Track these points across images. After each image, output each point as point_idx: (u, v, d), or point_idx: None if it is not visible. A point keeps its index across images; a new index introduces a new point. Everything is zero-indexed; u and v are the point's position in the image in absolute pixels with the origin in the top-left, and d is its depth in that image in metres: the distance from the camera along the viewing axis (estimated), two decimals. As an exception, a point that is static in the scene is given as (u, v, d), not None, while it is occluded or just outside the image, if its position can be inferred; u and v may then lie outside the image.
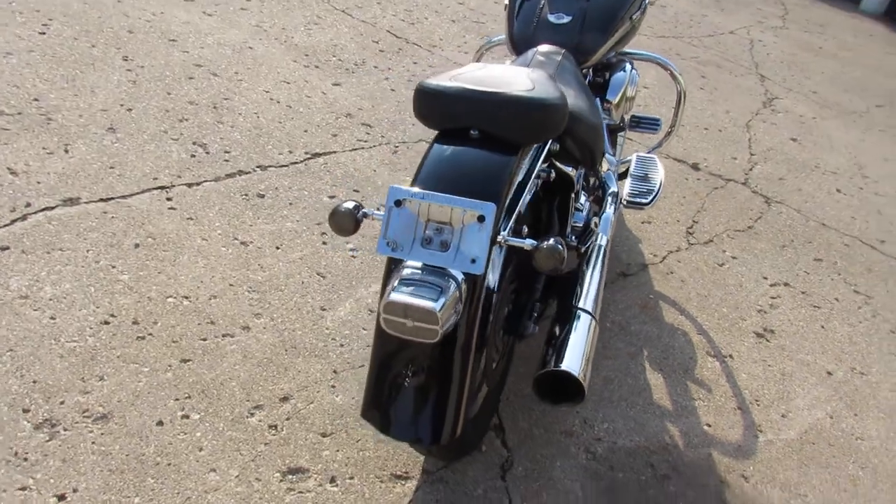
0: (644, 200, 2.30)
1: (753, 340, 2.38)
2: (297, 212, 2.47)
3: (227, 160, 2.64)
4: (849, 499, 1.89)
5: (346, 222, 1.36)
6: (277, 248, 2.29)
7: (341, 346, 2.00)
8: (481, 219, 1.27)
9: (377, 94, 3.34)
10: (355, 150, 2.89)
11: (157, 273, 2.09)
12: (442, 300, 1.22)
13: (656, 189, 2.35)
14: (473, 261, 1.26)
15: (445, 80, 1.46)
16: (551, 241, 1.27)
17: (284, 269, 2.21)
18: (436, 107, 1.44)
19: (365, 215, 1.37)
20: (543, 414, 1.92)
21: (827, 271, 2.84)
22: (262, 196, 2.50)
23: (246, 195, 2.49)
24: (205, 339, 1.92)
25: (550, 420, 1.91)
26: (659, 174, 2.41)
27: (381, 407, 1.36)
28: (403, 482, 1.67)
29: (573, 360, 1.49)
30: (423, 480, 1.69)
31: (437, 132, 1.49)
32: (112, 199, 2.32)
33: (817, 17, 6.74)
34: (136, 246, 2.16)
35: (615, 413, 1.98)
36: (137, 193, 2.37)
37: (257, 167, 2.64)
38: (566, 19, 2.12)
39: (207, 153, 2.65)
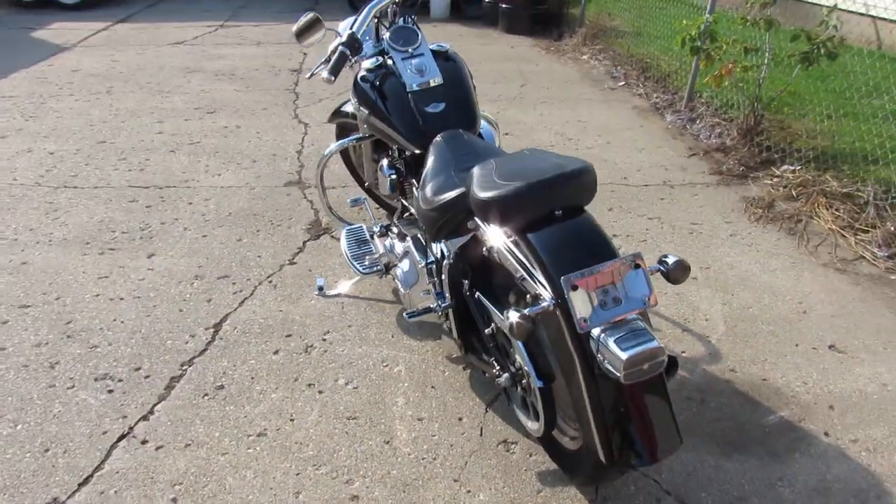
0: None
1: (642, 283, 3.03)
2: (268, 382, 2.38)
3: (147, 376, 2.39)
4: (781, 342, 2.64)
5: (524, 330, 1.56)
6: (291, 419, 2.22)
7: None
8: (637, 265, 1.59)
9: (197, 248, 3.21)
10: (242, 302, 2.81)
11: (224, 509, 1.91)
12: (654, 336, 1.53)
13: None
14: (647, 299, 1.59)
15: (504, 184, 1.71)
16: (676, 257, 1.64)
17: (324, 432, 2.17)
18: (519, 206, 1.69)
19: (531, 317, 1.58)
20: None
21: (622, 215, 3.65)
22: (222, 387, 2.35)
23: (206, 395, 2.32)
24: (338, 530, 1.86)
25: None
26: None
27: (626, 447, 1.60)
28: (589, 519, 1.91)
29: None
30: (598, 507, 1.94)
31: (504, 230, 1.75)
32: (90, 477, 1.99)
33: (415, 35, 7.86)
34: (175, 501, 1.93)
35: (636, 380, 2.43)
36: (107, 457, 2.06)
37: (183, 365, 2.44)
38: (442, 106, 2.44)
39: (121, 381, 2.36)
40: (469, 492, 1.99)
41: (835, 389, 2.41)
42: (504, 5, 7.94)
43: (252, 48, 6.94)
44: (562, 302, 1.59)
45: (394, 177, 2.59)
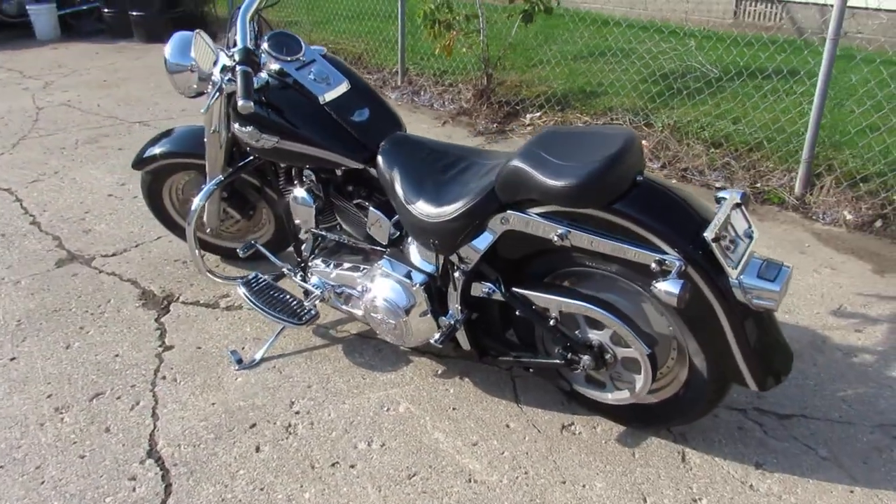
0: None
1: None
2: (285, 484, 1.93)
3: (125, 551, 1.75)
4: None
5: (687, 296, 1.57)
6: (355, 509, 1.86)
7: None
8: (737, 205, 1.70)
9: (19, 376, 2.36)
10: (155, 414, 2.19)
11: None
12: (782, 262, 1.67)
13: None
14: (751, 232, 1.71)
15: (579, 164, 1.65)
16: (740, 191, 1.78)
17: (401, 502, 1.87)
18: (611, 180, 1.65)
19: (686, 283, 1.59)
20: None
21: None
22: (237, 515, 1.85)
23: (228, 533, 1.80)
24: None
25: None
26: None
27: (771, 365, 1.73)
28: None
29: None
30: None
31: (596, 210, 1.70)
32: None
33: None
34: None
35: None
36: None
37: (161, 516, 1.84)
38: (367, 112, 2.17)
39: (95, 574, 1.69)
40: (584, 486, 1.93)
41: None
42: (135, 13, 7.11)
43: None
44: (692, 259, 1.63)
45: (319, 204, 2.27)
